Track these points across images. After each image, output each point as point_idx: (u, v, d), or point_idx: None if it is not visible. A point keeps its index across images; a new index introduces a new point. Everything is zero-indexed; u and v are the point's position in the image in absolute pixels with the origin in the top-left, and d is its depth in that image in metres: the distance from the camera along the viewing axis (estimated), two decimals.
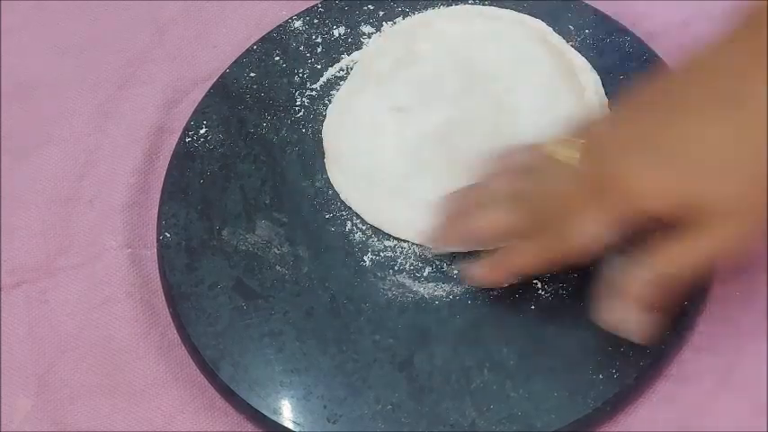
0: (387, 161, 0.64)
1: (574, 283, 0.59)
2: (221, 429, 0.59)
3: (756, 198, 0.50)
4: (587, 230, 0.53)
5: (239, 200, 0.65)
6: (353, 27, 0.70)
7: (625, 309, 0.53)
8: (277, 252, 0.62)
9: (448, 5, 0.70)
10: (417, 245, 0.61)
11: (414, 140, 0.64)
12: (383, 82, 0.67)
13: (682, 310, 0.56)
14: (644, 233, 0.53)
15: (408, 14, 0.70)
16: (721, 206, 0.51)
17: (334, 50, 0.70)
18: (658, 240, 0.52)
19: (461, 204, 0.59)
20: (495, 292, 0.59)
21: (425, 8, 0.70)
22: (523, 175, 0.57)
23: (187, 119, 0.68)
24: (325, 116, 0.67)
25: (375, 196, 0.63)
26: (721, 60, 0.51)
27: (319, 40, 0.70)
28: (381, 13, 0.71)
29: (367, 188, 0.63)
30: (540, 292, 0.59)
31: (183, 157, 0.67)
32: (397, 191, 0.63)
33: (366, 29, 0.70)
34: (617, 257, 0.54)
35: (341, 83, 0.68)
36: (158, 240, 0.64)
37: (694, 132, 0.51)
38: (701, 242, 0.52)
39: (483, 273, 0.58)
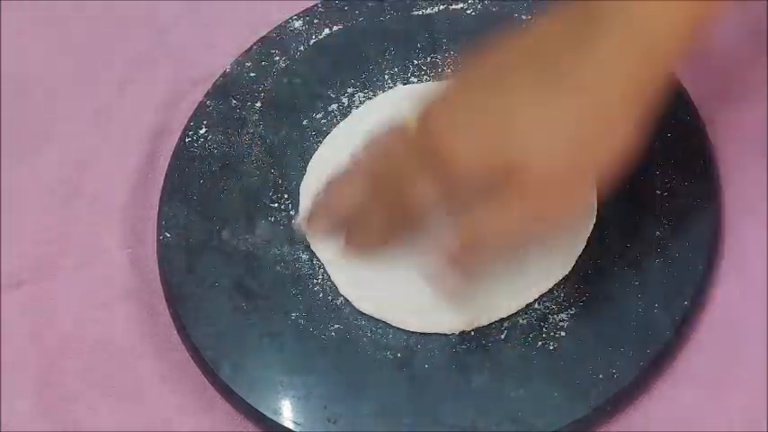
0: None
1: (574, 283, 0.59)
2: (221, 429, 0.59)
3: (573, 160, 0.52)
4: (421, 200, 0.54)
5: (239, 200, 0.65)
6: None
7: (441, 269, 0.54)
8: (277, 252, 0.62)
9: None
10: None
11: None
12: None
13: (682, 310, 0.56)
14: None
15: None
16: (535, 162, 0.51)
17: None
18: (474, 207, 0.53)
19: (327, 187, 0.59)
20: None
21: (426, 8, 0.70)
22: (373, 152, 0.57)
23: (187, 119, 0.68)
24: (325, 114, 0.67)
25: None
26: (543, 45, 0.53)
27: None
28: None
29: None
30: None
31: (183, 157, 0.67)
32: None
33: None
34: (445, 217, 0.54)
35: None
36: (158, 240, 0.64)
37: (514, 102, 0.52)
38: (509, 208, 0.52)
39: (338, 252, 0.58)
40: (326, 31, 0.71)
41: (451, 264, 0.54)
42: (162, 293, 0.63)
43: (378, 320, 0.59)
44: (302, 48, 0.70)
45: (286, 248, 0.62)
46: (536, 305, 0.58)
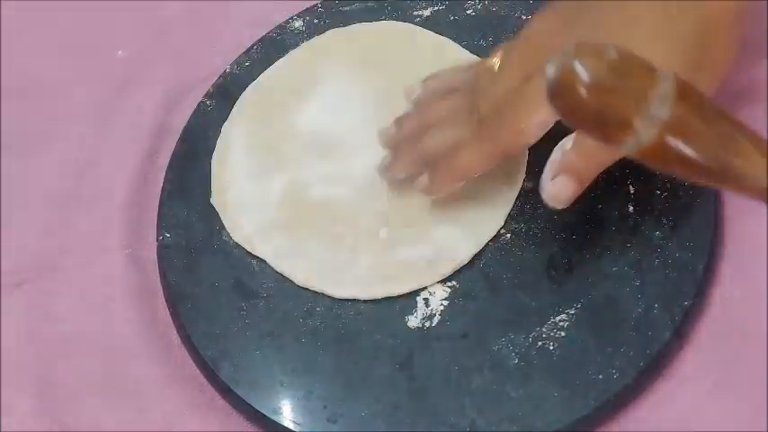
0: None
1: (574, 283, 0.59)
2: (221, 429, 0.59)
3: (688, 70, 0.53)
4: (530, 123, 0.56)
5: None
6: None
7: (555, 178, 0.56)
8: None
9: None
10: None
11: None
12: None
13: (682, 310, 0.56)
14: None
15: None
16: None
17: None
18: None
19: (407, 130, 0.61)
20: (495, 293, 0.59)
21: (426, 8, 0.70)
22: (458, 90, 0.60)
23: (187, 119, 0.68)
24: None
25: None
26: None
27: None
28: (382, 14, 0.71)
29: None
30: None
31: (183, 157, 0.67)
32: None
33: None
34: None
35: None
36: (158, 240, 0.64)
37: (630, 16, 0.55)
38: None
39: (431, 183, 0.60)
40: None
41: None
42: (162, 293, 0.63)
43: (378, 320, 0.59)
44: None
45: None
46: (534, 305, 0.58)
